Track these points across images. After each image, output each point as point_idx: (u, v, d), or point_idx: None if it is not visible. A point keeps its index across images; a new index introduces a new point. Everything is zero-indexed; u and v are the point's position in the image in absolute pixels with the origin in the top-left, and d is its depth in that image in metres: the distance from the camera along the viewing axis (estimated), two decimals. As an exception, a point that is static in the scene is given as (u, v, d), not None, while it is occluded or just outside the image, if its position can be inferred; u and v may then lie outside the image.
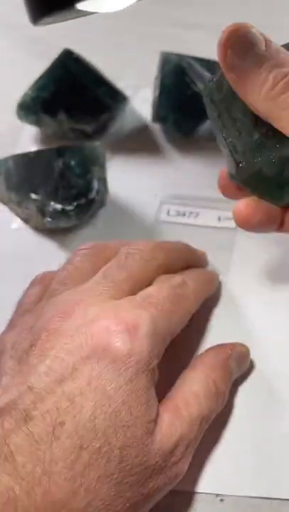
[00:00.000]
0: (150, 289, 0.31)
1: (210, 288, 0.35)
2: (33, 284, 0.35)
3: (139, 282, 0.31)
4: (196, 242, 0.37)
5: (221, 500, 0.29)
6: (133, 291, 0.30)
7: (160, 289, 0.31)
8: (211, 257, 0.37)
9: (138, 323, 0.27)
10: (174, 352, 0.32)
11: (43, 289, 0.33)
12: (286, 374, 0.33)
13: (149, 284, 0.32)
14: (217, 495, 0.29)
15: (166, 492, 0.27)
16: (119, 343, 0.26)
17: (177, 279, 0.32)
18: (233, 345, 0.32)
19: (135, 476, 0.25)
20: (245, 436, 0.31)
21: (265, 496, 0.29)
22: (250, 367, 0.33)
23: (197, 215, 0.40)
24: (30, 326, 0.29)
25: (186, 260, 0.35)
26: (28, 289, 0.35)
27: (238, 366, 0.32)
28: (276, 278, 0.36)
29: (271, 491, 0.29)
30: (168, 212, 0.41)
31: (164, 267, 0.33)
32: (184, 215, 0.40)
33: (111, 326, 0.27)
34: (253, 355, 0.33)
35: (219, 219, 0.40)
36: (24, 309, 0.33)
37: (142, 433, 0.25)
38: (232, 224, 0.37)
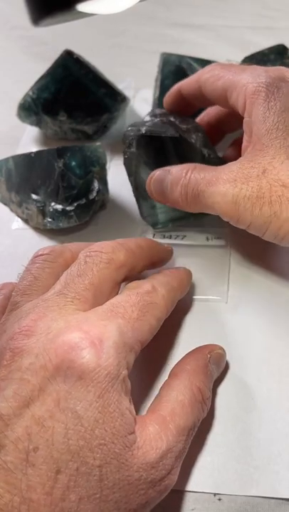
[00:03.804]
0: (118, 298, 0.29)
1: (181, 292, 0.34)
2: None
3: (103, 287, 0.30)
4: (189, 261, 0.38)
5: (219, 499, 0.29)
6: (97, 299, 0.29)
7: (128, 297, 0.29)
8: (206, 275, 0.37)
9: (103, 335, 0.26)
10: (149, 360, 0.32)
11: (2, 299, 0.33)
12: (264, 372, 0.33)
13: (116, 285, 0.31)
14: (215, 494, 0.29)
15: (156, 503, 0.26)
16: (84, 358, 0.25)
17: (146, 286, 0.31)
18: (210, 348, 0.32)
19: (119, 493, 0.24)
20: (239, 436, 0.31)
21: (262, 495, 0.29)
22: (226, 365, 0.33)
23: (184, 237, 0.40)
24: None
25: (150, 256, 0.34)
26: None
27: (216, 368, 0.32)
28: (273, 292, 0.36)
29: (268, 491, 0.29)
30: (153, 237, 0.40)
31: (126, 266, 0.32)
32: (170, 237, 0.40)
33: (75, 340, 0.26)
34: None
35: (207, 239, 0.39)
36: None
37: (121, 448, 0.25)
38: (222, 242, 0.39)
